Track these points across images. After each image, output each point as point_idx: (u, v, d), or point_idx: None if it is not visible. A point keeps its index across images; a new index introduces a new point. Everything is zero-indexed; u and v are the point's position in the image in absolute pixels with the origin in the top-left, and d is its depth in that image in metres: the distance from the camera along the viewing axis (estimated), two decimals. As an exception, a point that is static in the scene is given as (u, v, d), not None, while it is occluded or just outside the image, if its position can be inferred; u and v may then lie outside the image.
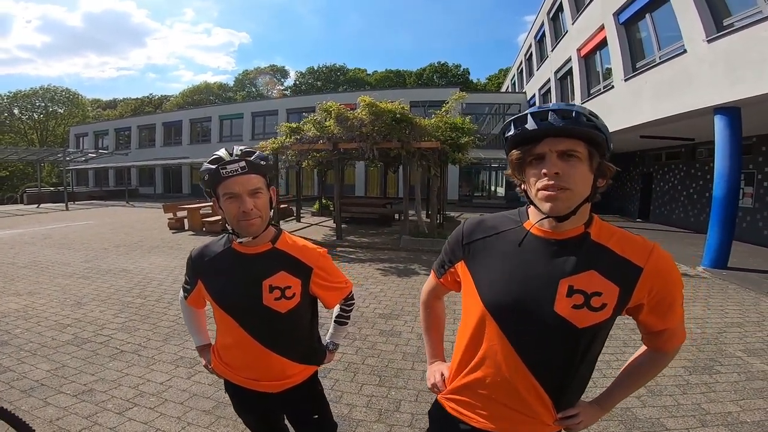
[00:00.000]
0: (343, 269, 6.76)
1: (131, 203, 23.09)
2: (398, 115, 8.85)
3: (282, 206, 13.97)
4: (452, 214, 15.40)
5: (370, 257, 8.04)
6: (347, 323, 1.68)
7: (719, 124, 7.13)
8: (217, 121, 29.63)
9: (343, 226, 10.91)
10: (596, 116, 0.92)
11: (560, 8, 16.00)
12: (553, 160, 0.90)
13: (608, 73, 12.01)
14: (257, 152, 1.31)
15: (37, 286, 5.61)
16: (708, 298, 5.45)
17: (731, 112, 6.99)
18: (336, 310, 1.65)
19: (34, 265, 6.92)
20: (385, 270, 6.91)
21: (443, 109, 10.50)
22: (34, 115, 47.86)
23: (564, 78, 16.40)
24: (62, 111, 48.70)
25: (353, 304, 1.68)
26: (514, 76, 30.00)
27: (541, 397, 0.99)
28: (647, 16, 9.63)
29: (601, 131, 0.91)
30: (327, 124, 9.41)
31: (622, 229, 1.01)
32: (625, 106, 10.49)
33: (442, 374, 1.21)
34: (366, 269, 6.96)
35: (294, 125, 10.22)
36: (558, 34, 16.79)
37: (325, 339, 1.67)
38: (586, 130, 0.89)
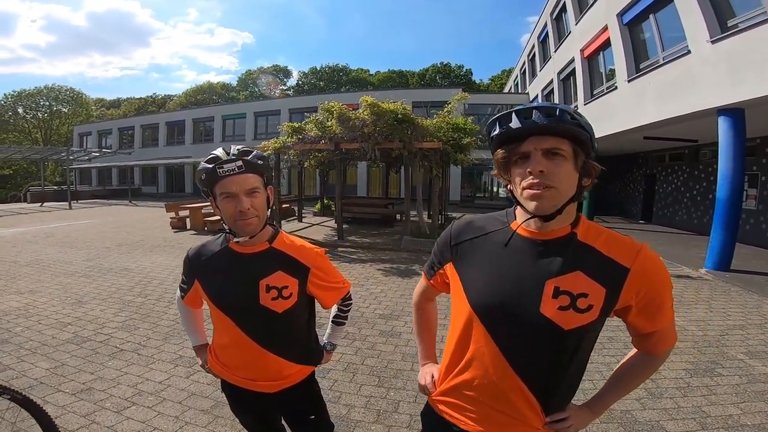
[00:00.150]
0: (345, 269, 6.79)
1: (134, 202, 23.17)
2: (400, 116, 8.83)
3: (284, 206, 13.98)
4: (454, 214, 15.38)
5: (372, 258, 8.03)
6: (345, 323, 1.68)
7: (723, 125, 7.10)
8: (219, 120, 29.72)
9: (344, 226, 10.92)
10: (580, 115, 0.92)
11: (563, 9, 15.96)
12: (538, 158, 0.89)
13: (611, 74, 11.97)
14: (254, 151, 1.31)
15: (38, 285, 5.63)
16: (710, 300, 5.42)
17: (735, 113, 6.95)
18: (334, 310, 1.64)
19: (35, 264, 6.95)
20: (386, 270, 6.90)
21: (445, 109, 10.49)
22: (39, 114, 48.12)
23: (567, 79, 16.35)
24: (66, 110, 48.97)
25: (351, 304, 1.67)
26: (516, 76, 29.96)
27: (529, 401, 0.97)
28: (651, 17, 9.58)
29: (585, 129, 0.91)
30: (329, 124, 9.41)
31: (609, 229, 1.00)
32: (628, 107, 10.45)
33: (433, 376, 1.20)
34: (367, 269, 6.96)
35: (296, 125, 10.22)
36: (561, 34, 16.74)
37: (323, 339, 1.67)
38: (570, 127, 0.89)
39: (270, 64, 61.32)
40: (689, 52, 7.85)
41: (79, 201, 23.63)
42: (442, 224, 11.79)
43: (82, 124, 40.55)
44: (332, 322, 1.66)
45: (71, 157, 23.83)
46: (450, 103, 10.60)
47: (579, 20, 13.89)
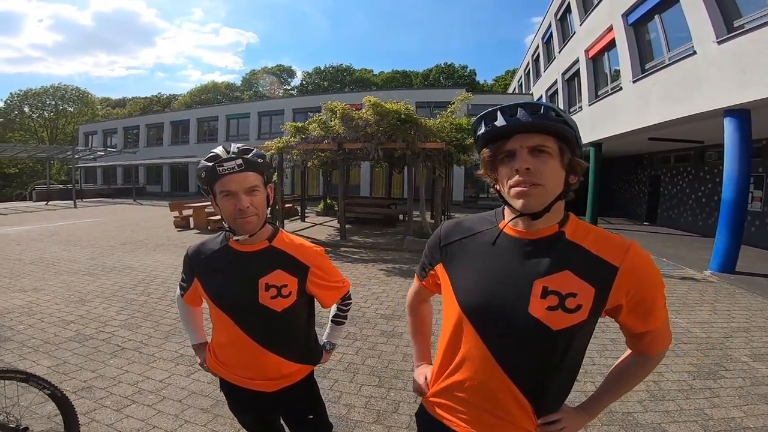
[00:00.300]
0: (347, 269, 6.79)
1: (138, 201, 23.30)
2: (403, 116, 8.81)
3: (287, 206, 14.00)
4: (457, 215, 15.36)
5: (374, 258, 8.03)
6: (344, 323, 1.67)
7: (729, 126, 7.04)
8: (223, 120, 29.84)
9: (347, 226, 10.91)
10: (565, 112, 0.91)
11: (568, 9, 15.90)
12: (524, 156, 0.89)
13: (616, 74, 11.91)
14: (254, 150, 1.31)
15: (42, 283, 5.66)
16: (715, 302, 5.38)
17: (741, 114, 6.90)
18: (333, 309, 1.64)
19: (40, 262, 6.99)
20: (388, 271, 6.90)
21: (448, 109, 10.46)
22: (45, 113, 48.49)
23: (571, 79, 16.29)
24: (72, 109, 49.30)
25: (350, 303, 1.66)
26: (520, 77, 29.87)
27: (520, 402, 0.96)
28: (656, 17, 9.54)
29: (570, 126, 0.90)
30: (332, 124, 9.40)
31: (599, 227, 0.99)
32: (633, 108, 10.39)
33: (426, 377, 1.19)
34: (369, 269, 6.95)
35: (299, 125, 10.23)
36: (566, 35, 16.68)
37: (322, 338, 1.66)
38: (554, 124, 0.88)
39: (274, 64, 61.45)
40: (695, 52, 7.80)
41: (84, 200, 23.79)
42: (444, 225, 11.75)
43: (87, 123, 40.84)
44: (332, 321, 1.65)
45: (76, 156, 23.98)
46: (453, 103, 10.57)
47: (584, 21, 13.84)
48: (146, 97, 60.09)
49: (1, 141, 38.60)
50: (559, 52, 17.24)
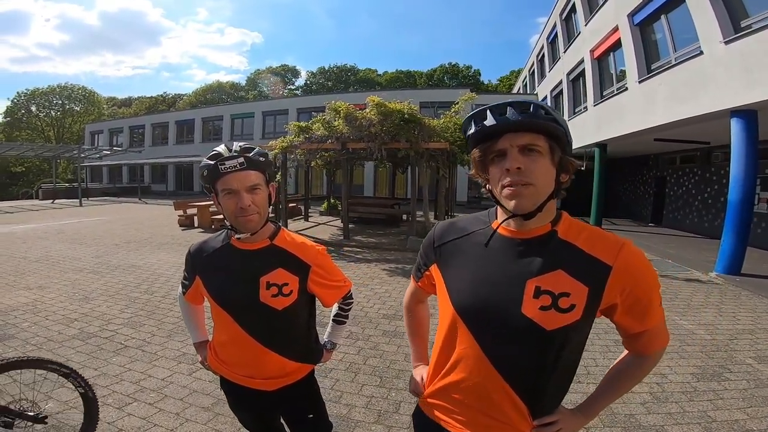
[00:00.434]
0: (350, 269, 6.79)
1: (144, 200, 23.42)
2: (407, 115, 8.81)
3: (291, 205, 14.03)
4: (460, 215, 15.32)
5: (377, 257, 8.03)
6: (346, 322, 1.67)
7: (735, 127, 6.99)
8: (228, 119, 29.98)
9: (350, 226, 10.92)
10: (555, 110, 0.91)
11: (573, 9, 15.83)
12: (515, 155, 0.88)
13: (622, 74, 11.84)
14: (256, 148, 1.31)
15: (47, 281, 5.70)
16: (720, 304, 5.33)
17: (748, 115, 6.84)
18: (335, 309, 1.64)
19: (45, 260, 7.04)
20: (391, 271, 6.89)
21: (452, 109, 10.44)
22: (51, 112, 48.81)
23: (576, 79, 16.21)
24: (78, 109, 49.60)
25: (352, 303, 1.66)
26: (525, 77, 29.78)
27: (515, 403, 0.95)
28: (662, 17, 9.47)
29: (560, 124, 0.89)
30: (336, 123, 9.41)
31: (593, 226, 0.98)
32: (638, 109, 10.32)
33: (422, 377, 1.19)
34: (372, 269, 6.95)
35: (303, 124, 10.25)
36: (570, 35, 16.60)
37: (323, 338, 1.66)
38: (544, 123, 0.88)
39: (279, 64, 61.54)
40: (702, 52, 7.74)
41: (90, 198, 23.96)
42: (448, 225, 11.73)
43: (93, 122, 41.13)
44: (333, 320, 1.65)
45: (83, 155, 24.13)
46: (457, 103, 10.55)
47: (589, 21, 13.77)
48: (152, 97, 60.42)
49: (8, 140, 38.92)
50: (564, 52, 17.17)
